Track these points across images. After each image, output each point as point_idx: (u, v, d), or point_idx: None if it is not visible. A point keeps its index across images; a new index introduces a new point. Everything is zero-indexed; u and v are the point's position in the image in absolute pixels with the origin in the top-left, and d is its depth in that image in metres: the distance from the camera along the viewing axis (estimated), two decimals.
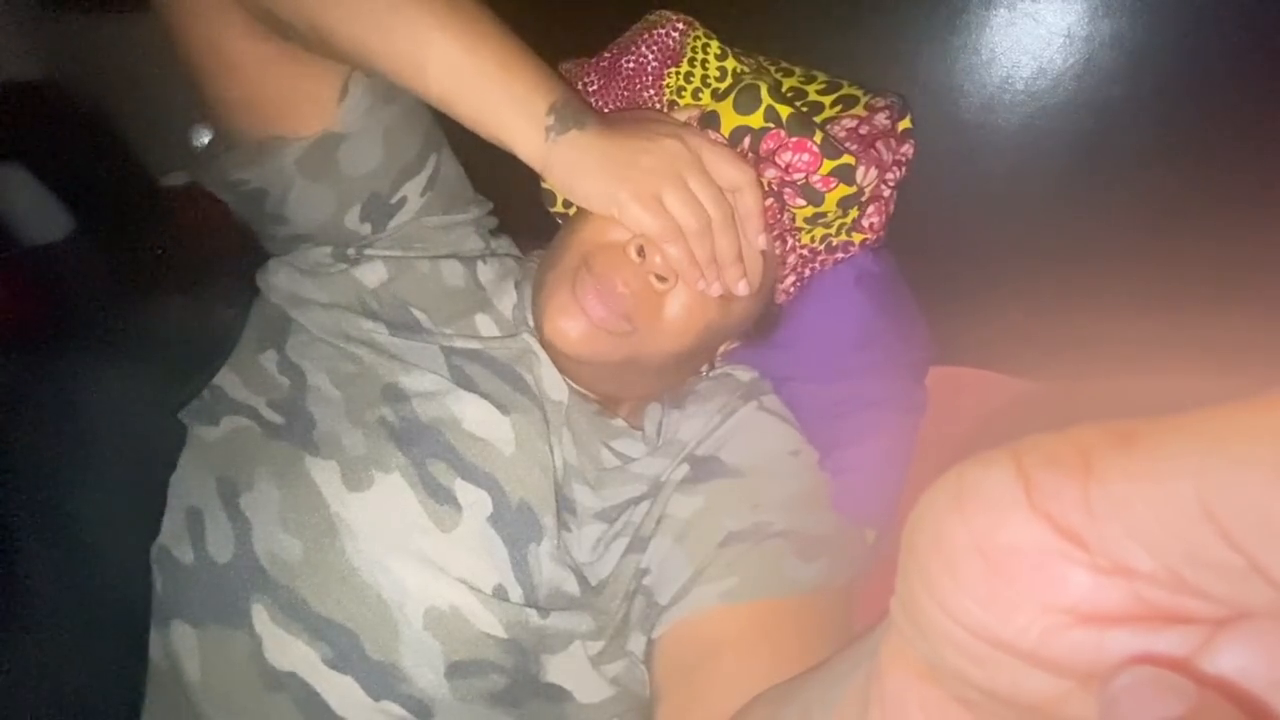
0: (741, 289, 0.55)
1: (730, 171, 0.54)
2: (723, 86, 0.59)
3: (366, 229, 0.58)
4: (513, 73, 0.50)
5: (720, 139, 0.57)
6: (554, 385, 0.56)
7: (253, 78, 0.53)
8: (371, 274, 0.57)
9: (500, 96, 0.49)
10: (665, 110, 0.60)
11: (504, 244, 0.66)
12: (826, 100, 0.61)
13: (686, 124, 0.57)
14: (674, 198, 0.51)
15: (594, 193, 0.51)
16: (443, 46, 0.49)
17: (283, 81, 0.53)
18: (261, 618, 0.46)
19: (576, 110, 0.51)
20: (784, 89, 0.61)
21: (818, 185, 0.56)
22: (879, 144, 0.58)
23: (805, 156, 0.55)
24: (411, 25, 0.48)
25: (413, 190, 0.59)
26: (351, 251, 0.58)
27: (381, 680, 0.46)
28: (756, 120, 0.55)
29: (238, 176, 0.57)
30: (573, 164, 0.50)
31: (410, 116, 0.58)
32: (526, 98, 0.50)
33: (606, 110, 0.62)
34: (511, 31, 0.51)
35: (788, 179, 0.56)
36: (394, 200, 0.58)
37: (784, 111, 0.55)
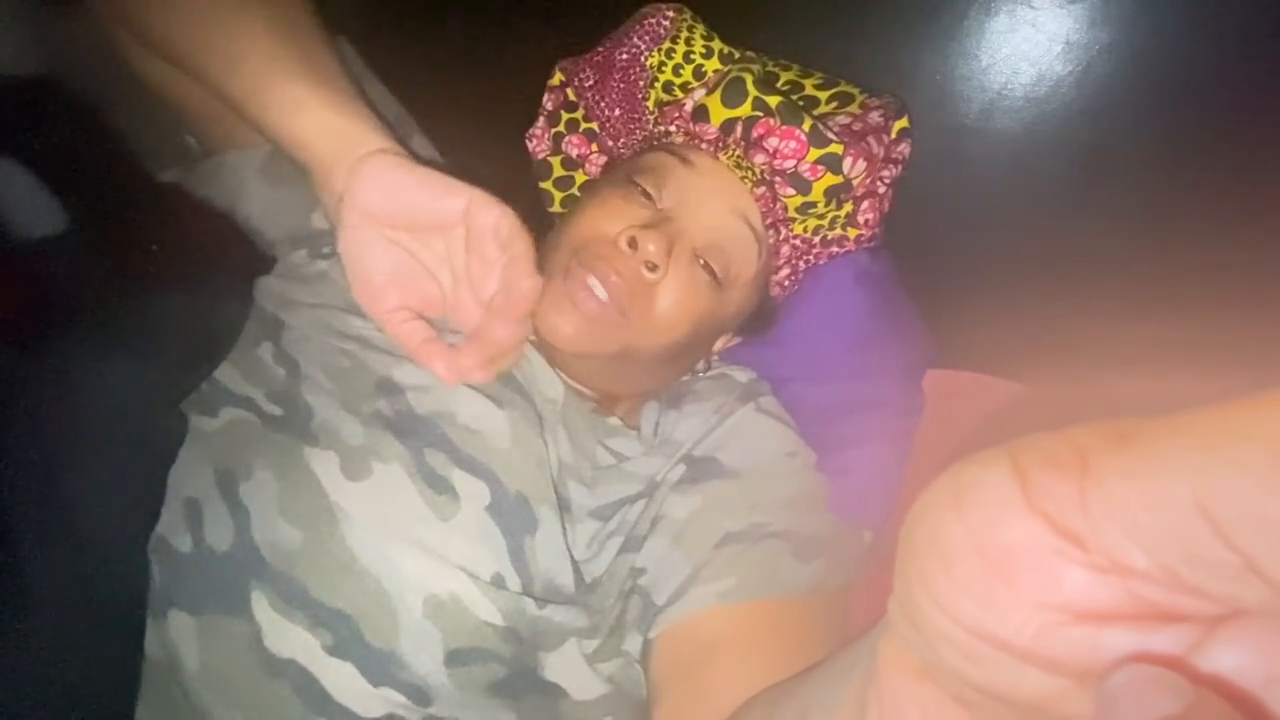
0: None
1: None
2: (708, 64, 0.59)
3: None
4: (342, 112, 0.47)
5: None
6: (549, 383, 0.56)
7: (190, 90, 0.53)
8: None
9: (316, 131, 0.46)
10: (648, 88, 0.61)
11: None
12: (823, 95, 0.61)
13: None
14: None
15: None
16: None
17: None
18: (261, 605, 0.46)
19: None
20: (780, 82, 0.62)
21: (805, 174, 0.56)
22: (870, 138, 0.58)
23: (792, 143, 0.55)
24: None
25: None
26: (327, 249, 0.58)
27: (381, 667, 0.46)
28: (745, 110, 0.56)
29: (206, 192, 0.58)
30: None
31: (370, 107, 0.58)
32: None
33: (604, 105, 0.62)
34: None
35: (776, 166, 0.56)
36: None
37: (773, 101, 0.55)
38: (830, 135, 0.56)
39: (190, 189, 0.59)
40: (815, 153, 0.55)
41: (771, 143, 0.55)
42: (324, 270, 0.57)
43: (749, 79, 0.56)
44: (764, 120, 0.55)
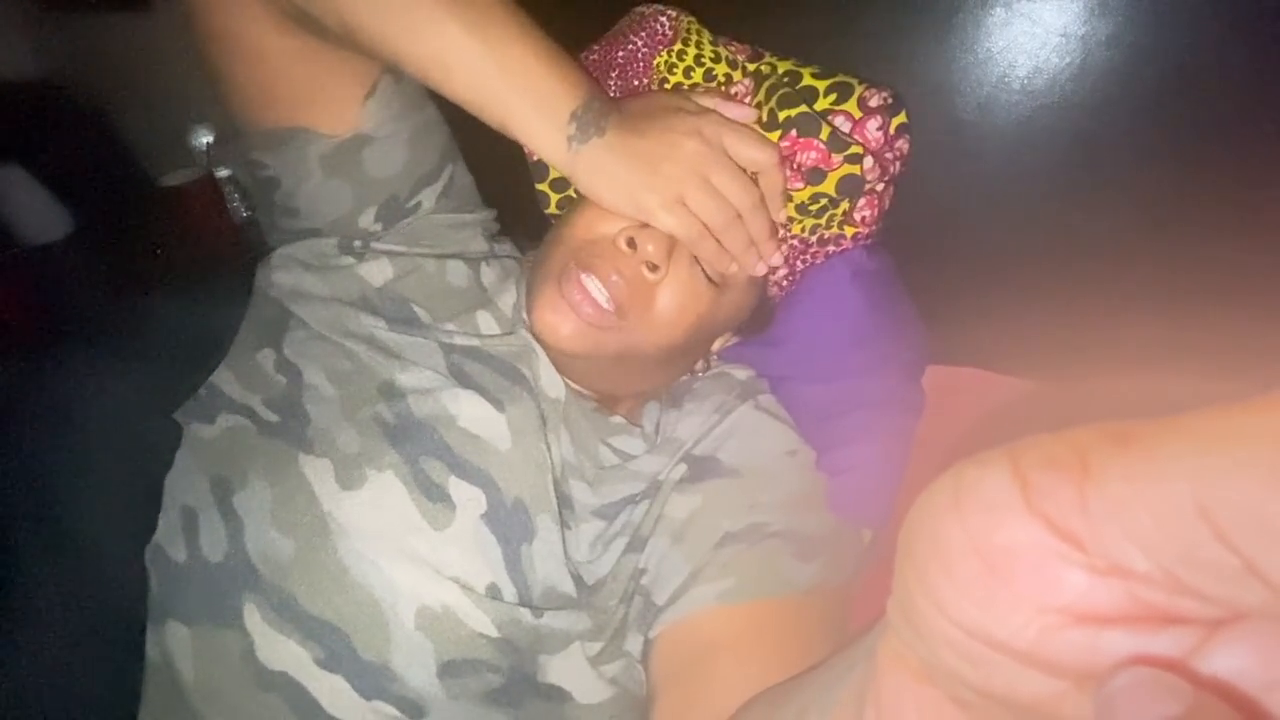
0: (776, 260, 0.58)
1: (753, 153, 0.55)
2: (718, 68, 0.60)
3: (378, 227, 0.59)
4: (535, 77, 0.50)
5: (742, 114, 0.58)
6: (551, 383, 0.56)
7: (279, 70, 0.53)
8: (377, 271, 0.58)
9: (523, 102, 0.50)
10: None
11: (506, 247, 0.66)
12: (821, 85, 0.61)
13: (705, 110, 0.57)
14: (697, 199, 0.53)
15: (620, 201, 0.53)
16: (467, 47, 0.49)
17: (309, 76, 0.54)
18: (253, 617, 0.46)
19: (598, 115, 0.52)
20: (780, 71, 0.62)
21: (822, 165, 0.57)
22: (872, 155, 0.58)
23: (812, 154, 0.56)
24: (437, 24, 0.49)
25: (429, 197, 0.60)
26: (358, 244, 0.59)
27: (373, 680, 0.46)
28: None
29: (258, 157, 0.57)
30: (596, 171, 0.52)
31: (433, 125, 0.60)
32: (549, 104, 0.51)
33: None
34: (536, 28, 0.52)
35: (796, 162, 0.57)
36: (410, 204, 0.59)
37: (784, 115, 0.56)
38: (848, 139, 0.57)
39: (240, 148, 0.58)
40: (837, 158, 0.57)
41: (798, 158, 0.57)
42: (350, 264, 0.58)
43: (768, 103, 0.56)
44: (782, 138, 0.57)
